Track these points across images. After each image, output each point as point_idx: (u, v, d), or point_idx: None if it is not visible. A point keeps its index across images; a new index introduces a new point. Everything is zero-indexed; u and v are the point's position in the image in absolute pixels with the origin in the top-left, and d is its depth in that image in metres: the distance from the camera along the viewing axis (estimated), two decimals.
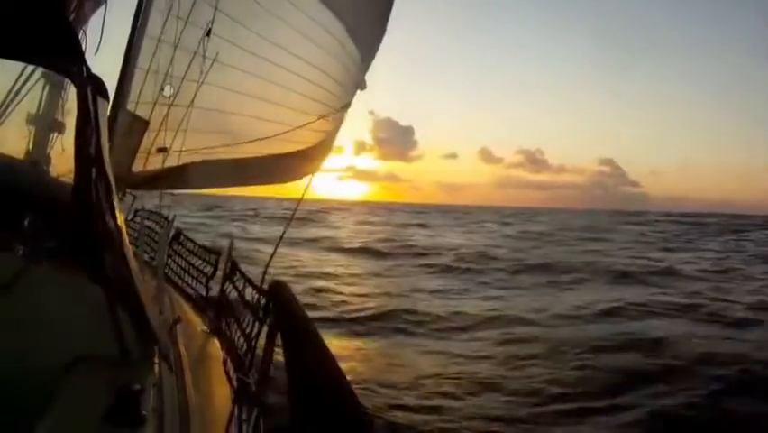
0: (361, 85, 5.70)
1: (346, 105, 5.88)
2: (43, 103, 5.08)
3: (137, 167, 5.52)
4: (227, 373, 2.95)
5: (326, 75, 5.86)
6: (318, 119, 5.80)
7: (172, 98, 5.18)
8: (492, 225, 64.46)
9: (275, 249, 4.57)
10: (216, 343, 3.69)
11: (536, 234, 48.38)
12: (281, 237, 4.73)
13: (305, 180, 5.67)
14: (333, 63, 5.84)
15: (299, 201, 5.06)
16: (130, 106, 5.21)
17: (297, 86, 5.80)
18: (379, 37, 5.84)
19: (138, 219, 6.13)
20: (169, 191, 5.57)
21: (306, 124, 5.76)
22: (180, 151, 5.39)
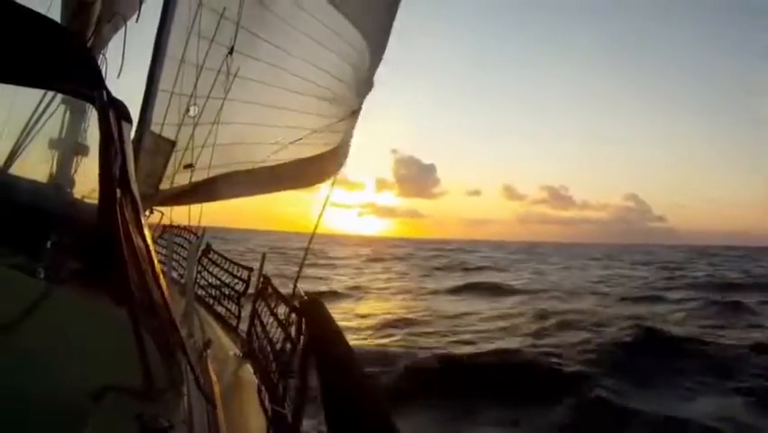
0: (369, 87, 5.81)
1: (359, 109, 5.95)
2: (66, 127, 5.11)
3: (164, 184, 5.52)
4: (262, 403, 2.81)
5: (341, 80, 5.89)
6: (339, 121, 5.86)
7: (197, 117, 5.16)
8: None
9: (302, 264, 4.44)
10: (249, 368, 3.57)
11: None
12: (305, 257, 4.58)
13: (317, 201, 5.59)
14: (347, 68, 5.87)
15: (313, 233, 4.87)
16: (155, 128, 5.20)
17: (316, 91, 5.82)
18: (386, 37, 5.85)
19: (166, 236, 6.12)
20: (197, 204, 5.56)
21: (328, 125, 5.83)
22: (208, 166, 5.39)
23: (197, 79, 5.00)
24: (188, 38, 5.03)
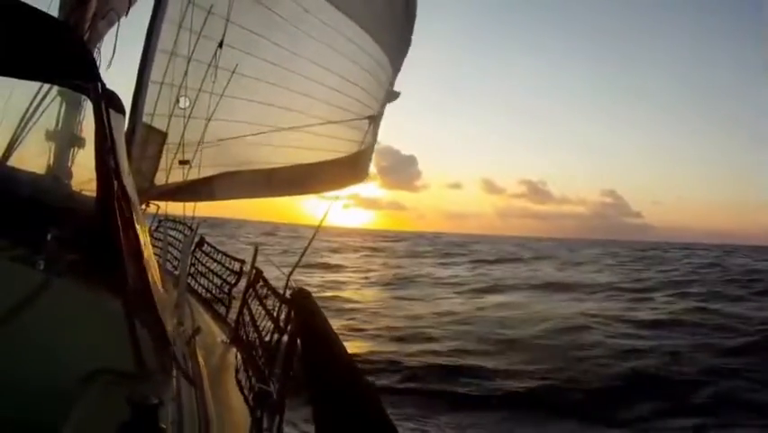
0: (390, 97, 5.62)
1: (372, 116, 5.79)
2: (61, 119, 5.16)
3: (160, 180, 5.57)
4: (240, 383, 2.91)
5: (351, 83, 5.79)
6: (351, 123, 5.78)
7: (189, 110, 5.21)
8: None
9: (299, 258, 4.46)
10: (235, 352, 3.66)
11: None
12: (305, 250, 4.60)
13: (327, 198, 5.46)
14: (358, 71, 5.78)
15: (318, 227, 4.87)
16: (146, 119, 5.26)
17: (321, 94, 5.75)
18: (404, 46, 5.78)
19: (162, 229, 6.19)
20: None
21: (339, 130, 5.73)
22: (203, 165, 5.41)
23: (186, 71, 5.06)
24: (179, 31, 5.09)
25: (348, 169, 6.16)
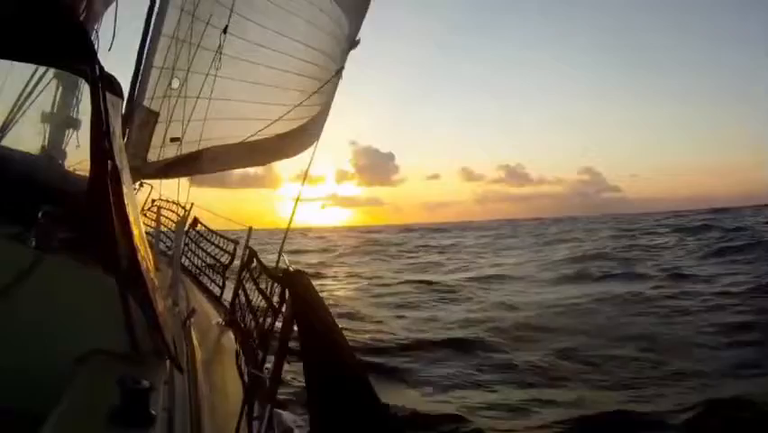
0: (353, 45, 5.68)
1: (339, 70, 5.84)
2: (57, 100, 5.16)
3: (153, 157, 5.60)
4: (239, 368, 2.84)
5: (318, 51, 5.88)
6: (313, 94, 5.82)
7: (180, 90, 5.23)
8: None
9: (284, 239, 4.44)
10: (231, 336, 3.62)
11: None
12: (283, 243, 4.54)
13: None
14: (324, 38, 5.84)
15: (288, 227, 4.79)
16: (145, 102, 5.28)
17: (294, 67, 5.83)
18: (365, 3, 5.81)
19: (154, 209, 6.19)
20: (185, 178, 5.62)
21: (310, 97, 5.80)
22: (195, 140, 5.46)
23: (180, 54, 5.07)
24: (181, 14, 5.09)
25: (316, 127, 6.28)
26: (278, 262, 3.92)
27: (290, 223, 4.75)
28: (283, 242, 4.28)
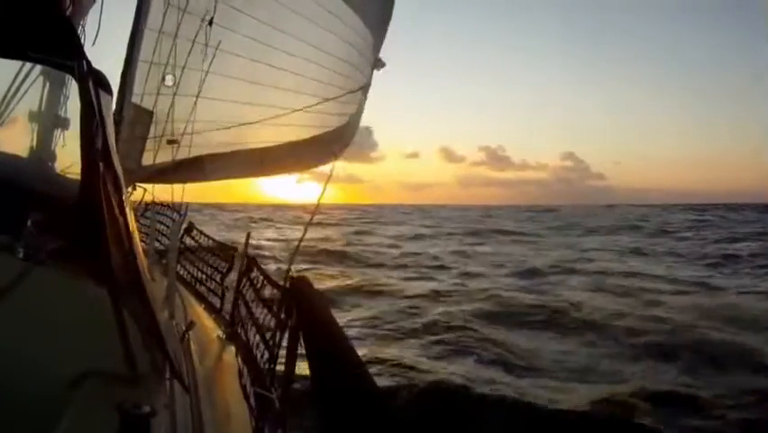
0: (377, 65, 5.55)
1: (362, 87, 5.70)
2: (45, 99, 4.95)
3: (147, 160, 5.39)
4: (244, 388, 2.74)
5: (336, 57, 5.69)
6: (328, 101, 5.62)
7: (175, 88, 5.03)
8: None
9: (297, 246, 4.25)
10: (233, 350, 3.47)
11: None
12: (302, 237, 4.37)
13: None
14: (342, 45, 5.68)
15: (317, 206, 4.56)
16: (135, 99, 5.07)
17: (307, 71, 5.63)
18: (386, 13, 5.71)
19: (149, 214, 6.00)
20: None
21: (316, 105, 5.59)
22: (197, 144, 5.25)
23: (172, 49, 4.88)
24: (167, 8, 4.91)
25: (337, 140, 6.06)
26: (290, 261, 3.74)
27: (318, 205, 4.41)
28: (309, 222, 3.99)
